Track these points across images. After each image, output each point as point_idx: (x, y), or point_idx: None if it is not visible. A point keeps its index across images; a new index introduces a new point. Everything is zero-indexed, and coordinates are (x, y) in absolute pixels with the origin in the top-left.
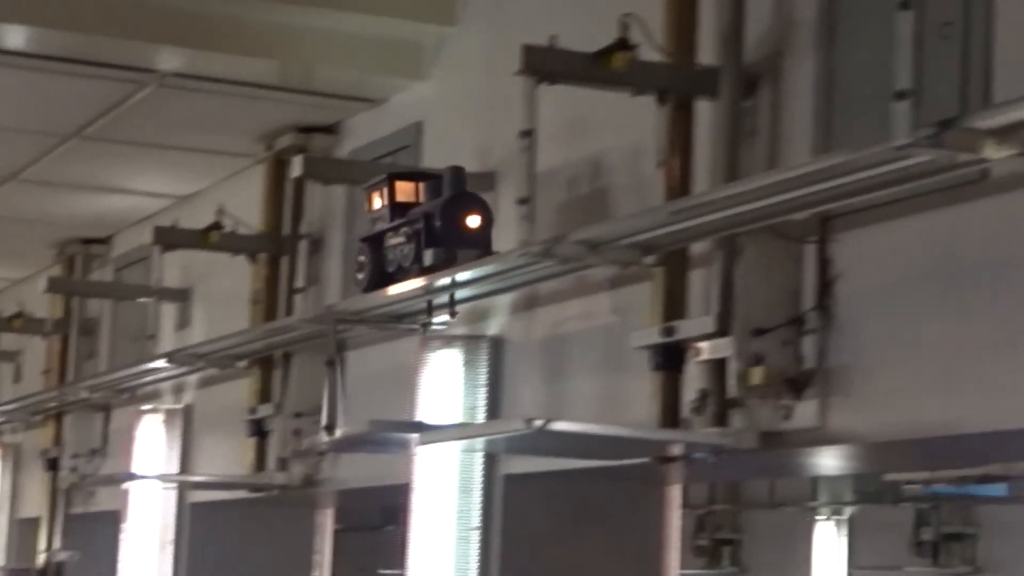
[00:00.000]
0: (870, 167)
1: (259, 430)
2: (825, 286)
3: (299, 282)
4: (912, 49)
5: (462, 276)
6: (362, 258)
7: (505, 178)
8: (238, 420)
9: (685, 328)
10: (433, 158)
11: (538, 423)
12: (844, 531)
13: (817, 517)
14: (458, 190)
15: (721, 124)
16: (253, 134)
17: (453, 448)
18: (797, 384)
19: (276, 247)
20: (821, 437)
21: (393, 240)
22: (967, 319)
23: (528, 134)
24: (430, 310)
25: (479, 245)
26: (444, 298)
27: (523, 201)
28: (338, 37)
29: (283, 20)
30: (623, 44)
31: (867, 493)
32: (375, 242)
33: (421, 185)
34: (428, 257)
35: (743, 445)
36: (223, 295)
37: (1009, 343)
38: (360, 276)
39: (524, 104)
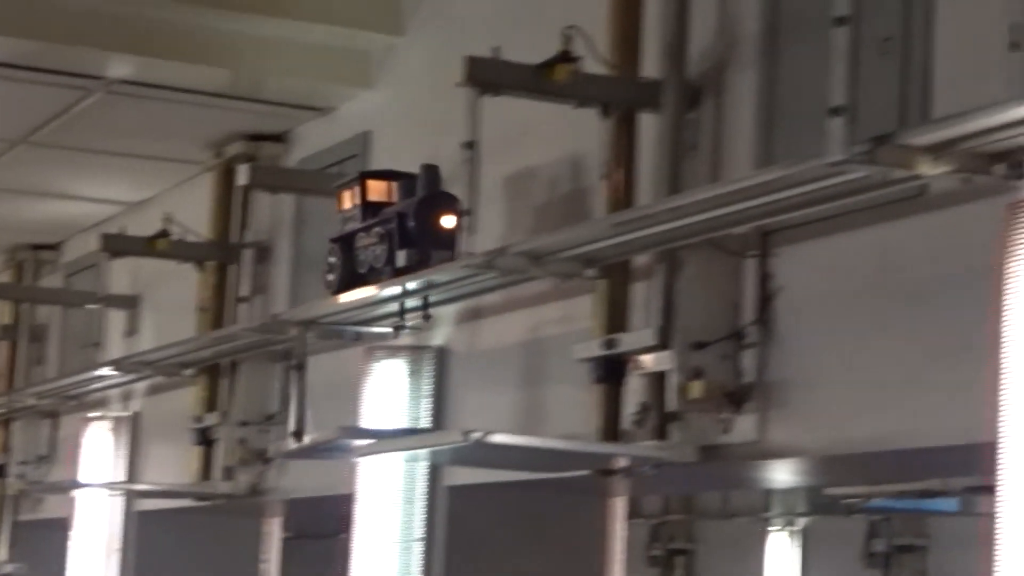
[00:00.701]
0: (806, 182)
1: (205, 439)
2: (765, 300)
3: (244, 291)
4: (847, 65)
5: (408, 287)
6: (332, 259)
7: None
8: (185, 428)
9: (626, 341)
10: (381, 167)
11: (475, 436)
12: (797, 542)
13: (770, 528)
14: (432, 189)
15: (664, 137)
16: (202, 142)
17: (396, 459)
18: (736, 398)
19: (224, 255)
20: (760, 451)
21: (365, 240)
22: (905, 335)
23: (470, 145)
24: (403, 312)
25: (454, 246)
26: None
27: (465, 213)
28: (287, 46)
29: (232, 28)
30: (566, 56)
31: (820, 505)
32: (346, 242)
33: (394, 184)
34: (401, 258)
35: (682, 458)
36: (171, 303)
37: (946, 359)
38: (330, 277)
39: (467, 115)
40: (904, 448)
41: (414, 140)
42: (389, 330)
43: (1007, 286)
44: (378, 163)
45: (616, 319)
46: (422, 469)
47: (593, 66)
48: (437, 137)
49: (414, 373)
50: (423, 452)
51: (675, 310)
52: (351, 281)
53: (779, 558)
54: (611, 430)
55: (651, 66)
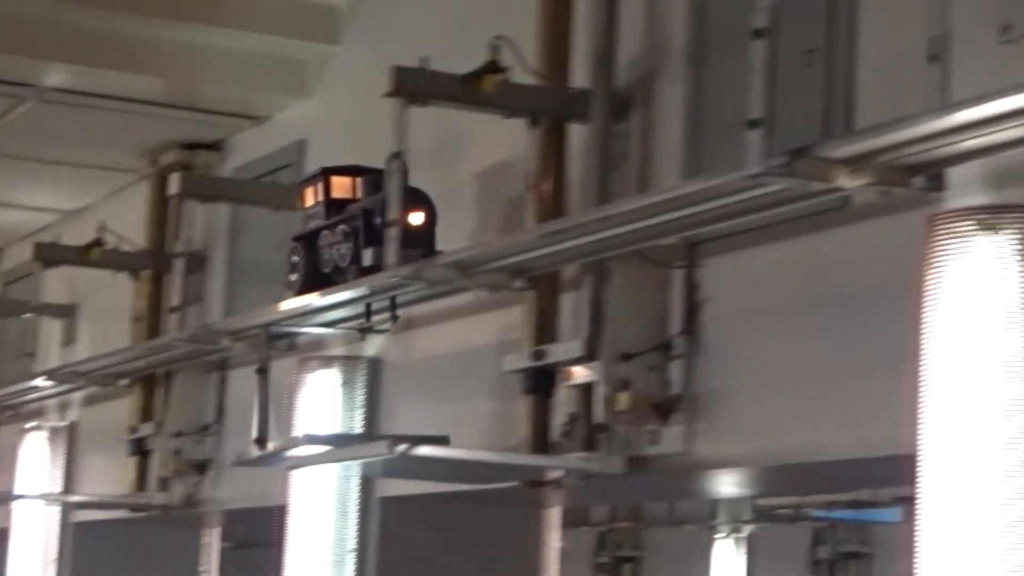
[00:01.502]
0: (728, 194)
1: (140, 449)
2: (692, 311)
3: (174, 301)
4: (765, 78)
5: (336, 298)
6: (295, 258)
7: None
8: (121, 439)
9: (554, 352)
10: None
11: (401, 448)
12: (743, 549)
13: (716, 535)
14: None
15: (592, 147)
16: (137, 150)
17: (327, 470)
18: (664, 409)
19: (159, 264)
20: (688, 462)
21: (329, 239)
22: (829, 346)
23: (398, 156)
24: (369, 314)
25: (422, 244)
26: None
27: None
28: (222, 54)
29: (168, 37)
30: (494, 67)
31: (765, 512)
32: (309, 241)
33: (358, 180)
34: (368, 257)
35: (610, 470)
36: (108, 312)
37: (871, 371)
38: (292, 277)
39: (394, 125)
40: (829, 460)
41: (349, 149)
42: (333, 333)
43: (926, 298)
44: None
45: (545, 330)
46: (355, 480)
47: (522, 76)
48: (372, 146)
49: (347, 383)
50: (355, 464)
51: (603, 321)
52: (315, 281)
53: (725, 565)
54: (540, 441)
55: (580, 76)
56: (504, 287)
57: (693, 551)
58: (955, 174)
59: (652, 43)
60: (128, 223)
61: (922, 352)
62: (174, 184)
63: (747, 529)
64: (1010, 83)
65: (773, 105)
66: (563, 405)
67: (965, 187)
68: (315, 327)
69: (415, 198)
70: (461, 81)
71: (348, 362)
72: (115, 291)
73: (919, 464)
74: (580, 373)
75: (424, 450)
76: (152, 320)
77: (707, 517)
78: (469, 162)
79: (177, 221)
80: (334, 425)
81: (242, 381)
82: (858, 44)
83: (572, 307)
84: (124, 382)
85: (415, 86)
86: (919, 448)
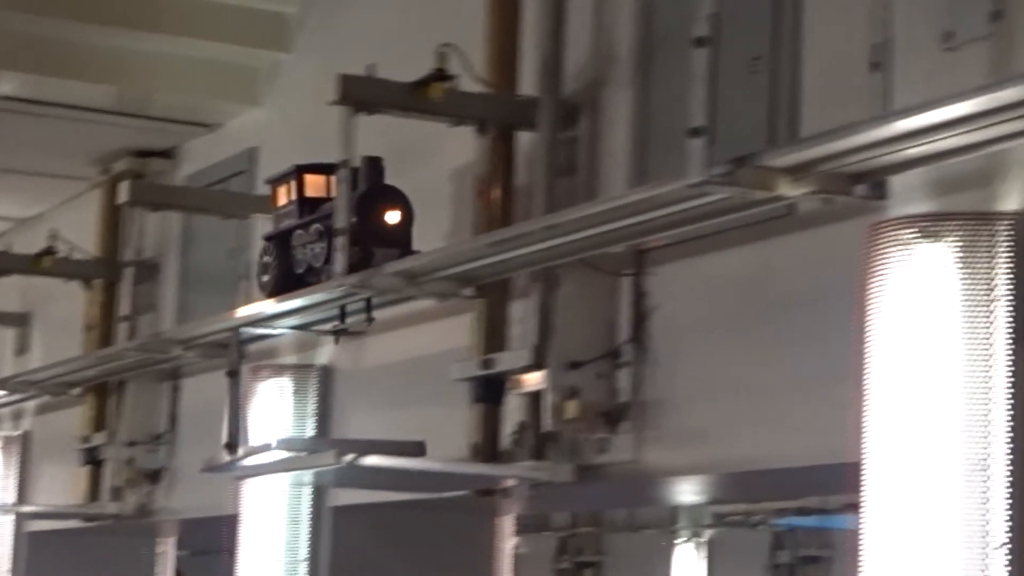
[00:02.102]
0: (672, 203)
1: (93, 459)
2: (640, 320)
3: (124, 310)
4: (707, 86)
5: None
6: (267, 258)
7: None
8: (75, 448)
9: (503, 361)
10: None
11: (347, 458)
12: (703, 553)
13: (677, 540)
14: (375, 182)
15: (540, 155)
16: (89, 158)
17: (280, 479)
18: (612, 418)
19: (111, 273)
20: (637, 470)
21: (303, 238)
22: (775, 355)
23: (345, 164)
24: (343, 316)
25: (399, 243)
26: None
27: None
28: (174, 62)
29: (119, 45)
30: (440, 75)
31: (725, 517)
32: (282, 241)
33: (332, 178)
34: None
35: (558, 479)
36: (61, 321)
37: (817, 379)
38: (264, 278)
39: (342, 134)
40: (776, 468)
41: (300, 156)
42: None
43: (869, 306)
44: (265, 179)
45: (494, 338)
46: (306, 489)
47: (470, 84)
48: (323, 153)
49: (299, 392)
50: (305, 474)
51: (551, 330)
52: (288, 282)
53: (686, 570)
54: (490, 450)
55: (528, 84)
56: (452, 296)
57: (654, 556)
58: (898, 182)
59: (599, 51)
60: (80, 231)
61: (866, 360)
62: (123, 192)
63: (707, 534)
64: (950, 91)
65: (715, 113)
66: (513, 413)
67: (908, 195)
68: (283, 329)
69: (391, 196)
70: (408, 89)
71: (300, 370)
72: (68, 300)
73: (864, 471)
74: (529, 381)
75: (371, 461)
76: (104, 329)
77: (668, 522)
78: (419, 169)
79: (128, 229)
80: (286, 433)
81: (195, 389)
82: (802, 52)
83: (521, 315)
84: (76, 391)
85: (362, 94)
86: (864, 456)
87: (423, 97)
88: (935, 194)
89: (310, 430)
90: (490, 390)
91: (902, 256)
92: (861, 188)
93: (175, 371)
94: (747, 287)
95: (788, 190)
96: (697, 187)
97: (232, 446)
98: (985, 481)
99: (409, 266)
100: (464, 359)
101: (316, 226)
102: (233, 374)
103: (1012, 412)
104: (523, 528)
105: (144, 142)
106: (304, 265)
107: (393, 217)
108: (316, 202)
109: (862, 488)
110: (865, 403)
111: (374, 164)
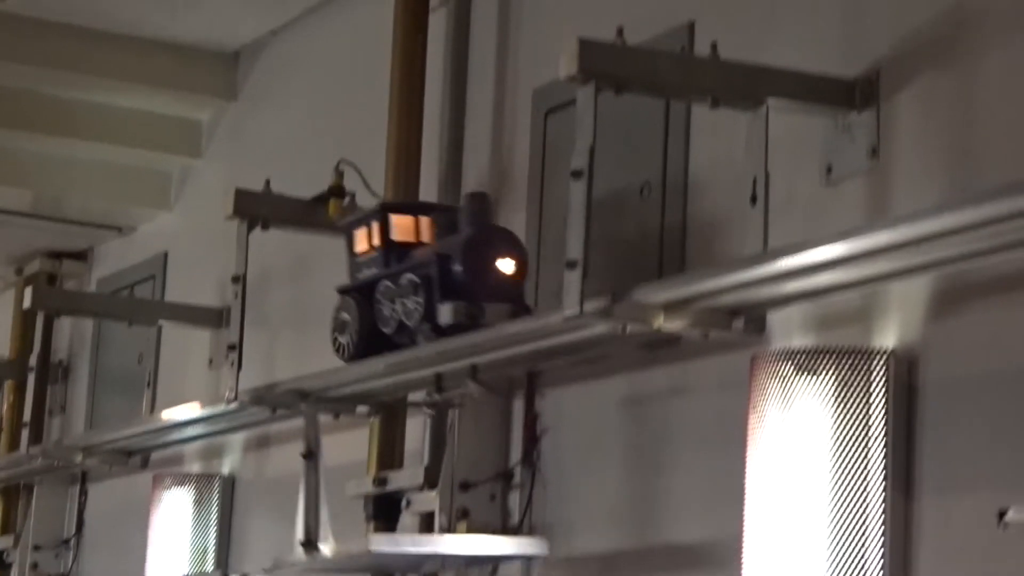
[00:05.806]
0: (554, 334)
1: (1, 563)
2: (532, 441)
3: (26, 415)
4: (583, 219)
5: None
6: (344, 315)
7: None
8: None
9: (396, 479)
10: (176, 290)
11: None
12: None
13: None
14: (483, 224)
15: None
16: (3, 258)
17: None
18: None
19: (23, 375)
20: None
21: (391, 292)
22: (664, 480)
23: (238, 280)
24: (440, 387)
25: (513, 298)
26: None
27: (232, 347)
28: (88, 166)
29: (34, 149)
30: (338, 191)
31: None
32: (363, 295)
33: (424, 220)
34: (445, 313)
35: None
36: None
37: (704, 505)
38: (342, 339)
39: (236, 248)
40: None
41: (208, 263)
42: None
43: (750, 437)
44: (173, 285)
45: (389, 456)
46: None
47: (368, 199)
48: (229, 261)
49: (201, 501)
50: None
51: (444, 449)
52: (372, 343)
53: None
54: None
55: (430, 198)
56: (348, 413)
57: None
58: (777, 317)
59: (498, 169)
60: None
61: (746, 492)
62: (27, 298)
63: None
64: (826, 232)
65: (589, 247)
66: (408, 532)
67: (788, 329)
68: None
69: (506, 241)
70: (304, 205)
71: (202, 480)
72: None
73: None
74: (421, 501)
75: None
76: (13, 431)
77: None
78: (319, 282)
79: (34, 332)
80: (186, 544)
81: (103, 494)
82: (688, 182)
83: (418, 433)
84: None
85: (256, 209)
86: None
87: (321, 213)
88: (814, 329)
89: (212, 541)
90: (384, 508)
91: (780, 389)
92: (739, 322)
93: (83, 475)
94: (631, 412)
95: (665, 324)
96: (573, 320)
97: (310, 544)
98: None
99: (305, 384)
100: (358, 476)
101: (408, 276)
102: (310, 455)
103: (883, 550)
104: None
105: (59, 244)
106: (393, 323)
107: (507, 266)
108: (405, 247)
109: None
110: (745, 531)
111: (480, 202)
